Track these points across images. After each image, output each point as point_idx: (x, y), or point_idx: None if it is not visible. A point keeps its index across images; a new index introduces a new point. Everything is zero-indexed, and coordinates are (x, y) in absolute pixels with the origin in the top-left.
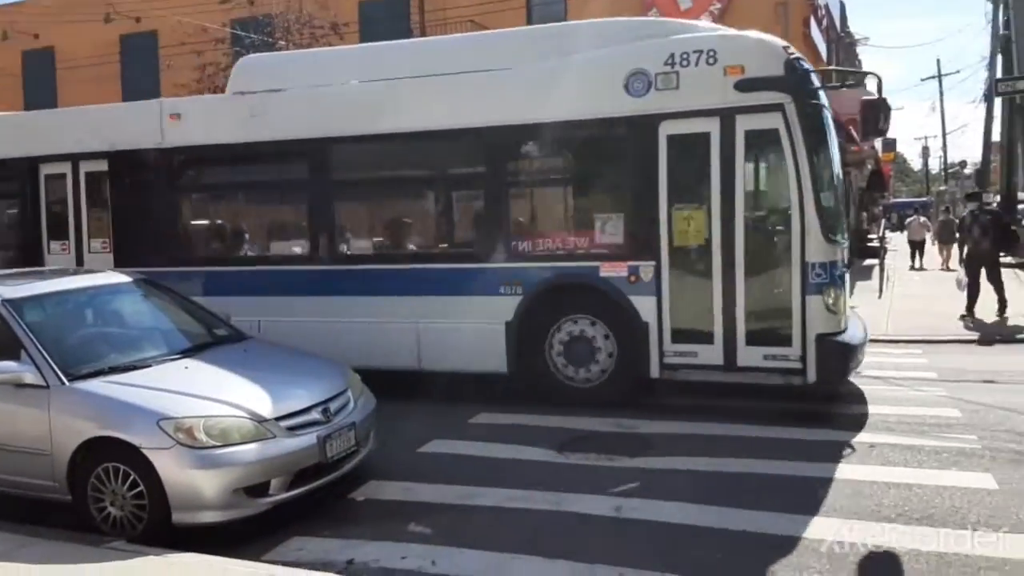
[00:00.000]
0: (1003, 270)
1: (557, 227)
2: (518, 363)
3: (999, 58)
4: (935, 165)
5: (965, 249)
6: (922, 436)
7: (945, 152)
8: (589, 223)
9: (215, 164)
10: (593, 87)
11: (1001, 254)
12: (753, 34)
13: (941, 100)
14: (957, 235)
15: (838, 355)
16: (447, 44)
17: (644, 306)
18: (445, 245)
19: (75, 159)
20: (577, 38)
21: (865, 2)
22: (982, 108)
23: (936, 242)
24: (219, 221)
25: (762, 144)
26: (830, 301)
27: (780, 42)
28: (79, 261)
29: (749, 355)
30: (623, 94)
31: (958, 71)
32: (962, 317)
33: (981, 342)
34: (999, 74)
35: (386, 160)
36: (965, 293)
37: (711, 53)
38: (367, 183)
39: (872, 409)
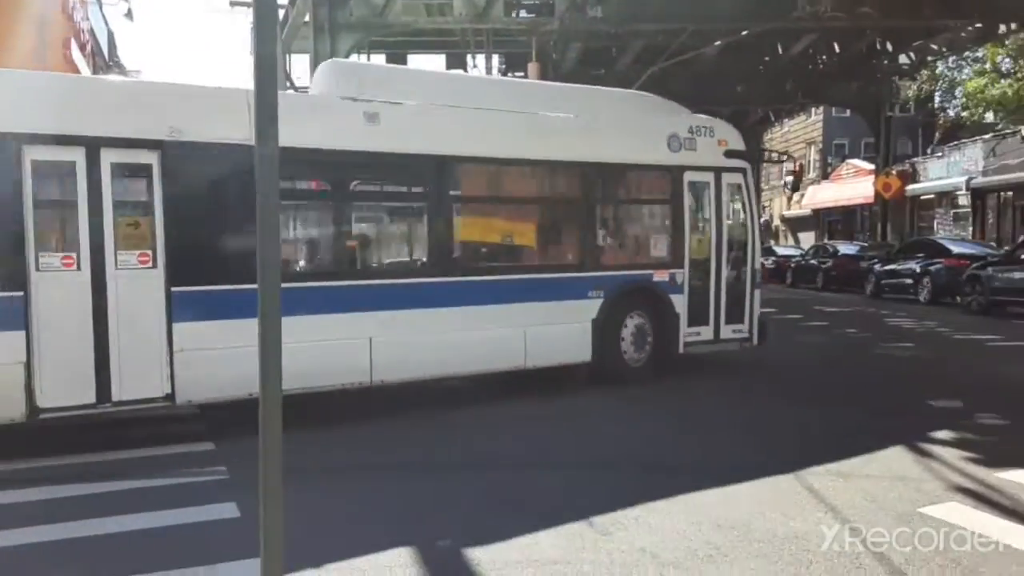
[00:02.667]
0: None
1: (627, 244)
2: (598, 352)
3: None
4: None
5: None
6: (169, 475)
7: None
8: (646, 241)
9: (321, 170)
10: (648, 141)
11: None
12: (727, 123)
13: None
14: None
15: (769, 327)
16: (538, 89)
17: (678, 302)
18: (547, 258)
19: (93, 144)
20: (604, 99)
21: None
22: None
23: None
24: (328, 233)
25: (733, 192)
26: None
27: None
28: (98, 279)
29: (726, 331)
30: (667, 149)
31: None
32: None
33: None
34: None
35: (499, 182)
36: None
37: (710, 129)
38: (483, 201)
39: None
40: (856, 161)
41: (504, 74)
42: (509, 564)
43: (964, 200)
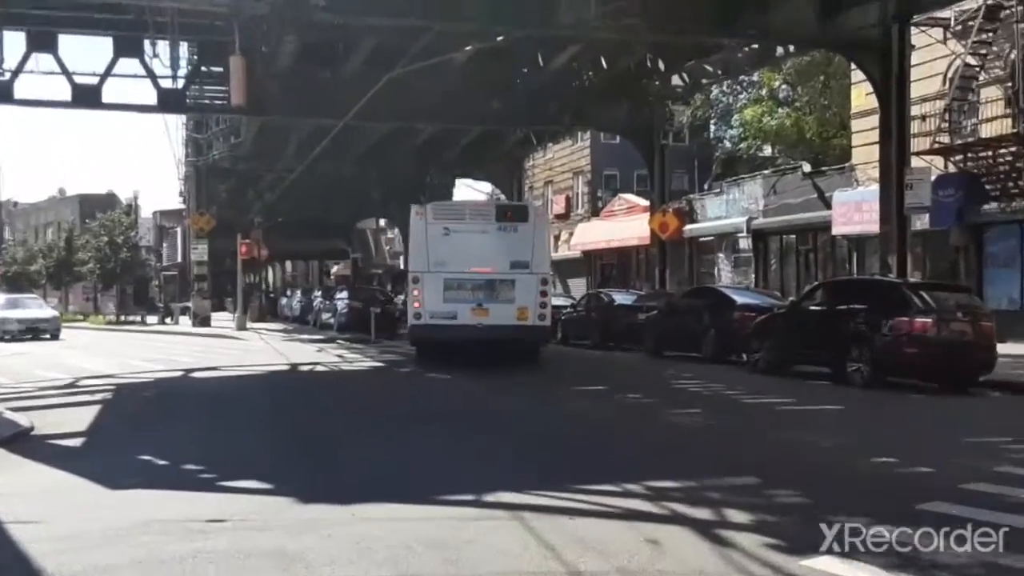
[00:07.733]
0: None
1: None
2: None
3: None
4: None
5: None
6: None
7: None
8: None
9: None
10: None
11: None
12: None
13: None
14: None
15: None
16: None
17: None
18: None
19: None
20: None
21: None
22: None
23: None
24: None
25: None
26: None
27: None
28: None
29: None
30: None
31: None
32: None
33: None
34: None
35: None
36: None
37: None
38: None
39: None
40: (629, 196)
41: (196, 68)
42: None
43: (745, 243)
